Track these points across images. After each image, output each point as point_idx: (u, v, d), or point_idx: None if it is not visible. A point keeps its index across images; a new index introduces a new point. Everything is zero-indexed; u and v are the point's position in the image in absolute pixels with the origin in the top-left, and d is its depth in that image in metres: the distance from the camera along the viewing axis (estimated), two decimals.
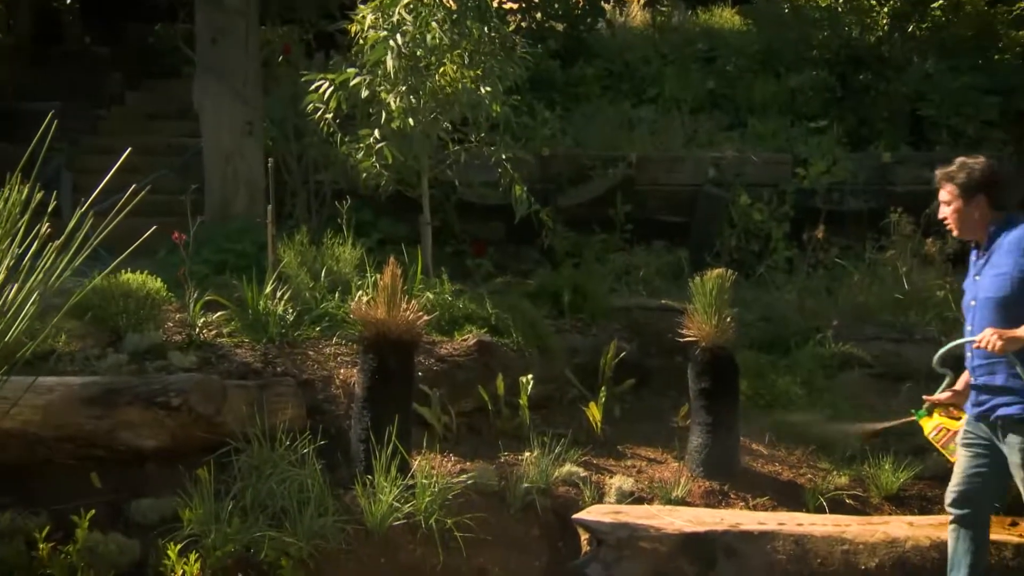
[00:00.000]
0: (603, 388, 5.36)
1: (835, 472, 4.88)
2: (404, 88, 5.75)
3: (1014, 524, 4.27)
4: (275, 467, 3.93)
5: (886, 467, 4.78)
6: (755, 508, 4.62)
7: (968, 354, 3.68)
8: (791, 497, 4.72)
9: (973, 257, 3.77)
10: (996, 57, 9.88)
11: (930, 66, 9.43)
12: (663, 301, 6.23)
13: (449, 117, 6.06)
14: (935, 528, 4.20)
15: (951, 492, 3.78)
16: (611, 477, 4.75)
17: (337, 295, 5.64)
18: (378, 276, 4.51)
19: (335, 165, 7.37)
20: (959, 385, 3.89)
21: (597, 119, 9.19)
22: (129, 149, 3.45)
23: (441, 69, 5.79)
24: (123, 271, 5.15)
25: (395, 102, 5.74)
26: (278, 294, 5.40)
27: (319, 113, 6.11)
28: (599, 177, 8.38)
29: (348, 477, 4.20)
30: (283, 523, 3.71)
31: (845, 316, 6.46)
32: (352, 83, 5.84)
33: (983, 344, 3.44)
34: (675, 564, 4.04)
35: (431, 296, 5.70)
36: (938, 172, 3.72)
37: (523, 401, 5.09)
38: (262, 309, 5.23)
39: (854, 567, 4.01)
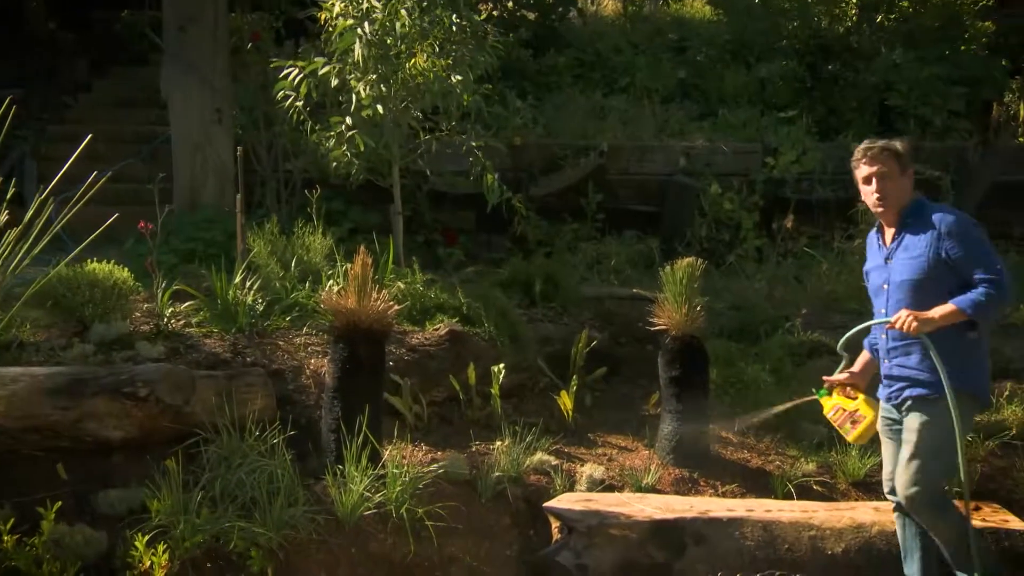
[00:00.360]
0: (574, 377, 5.38)
1: (803, 459, 4.93)
2: (374, 76, 5.72)
3: (977, 509, 4.34)
4: (244, 457, 3.91)
5: (853, 454, 4.84)
6: (724, 495, 4.66)
7: (883, 336, 3.69)
8: (760, 484, 4.76)
9: (875, 240, 3.79)
10: (963, 48, 9.99)
11: (898, 56, 9.51)
12: (634, 290, 6.25)
13: (420, 106, 6.04)
14: None
15: (886, 481, 3.83)
16: (582, 465, 4.77)
17: (308, 285, 5.62)
18: (349, 265, 4.48)
19: (305, 154, 7.33)
20: (856, 366, 3.93)
21: (569, 108, 9.19)
22: (90, 136, 3.39)
23: (412, 59, 5.77)
24: (89, 260, 5.09)
25: (365, 91, 5.71)
26: (248, 283, 5.37)
27: (289, 101, 6.07)
28: (571, 166, 8.39)
29: (318, 467, 4.19)
30: (253, 513, 3.69)
31: (814, 304, 6.52)
32: (321, 72, 5.80)
33: (898, 325, 3.46)
34: (645, 551, 4.07)
35: (402, 286, 5.69)
36: (871, 148, 3.70)
37: (495, 390, 5.10)
38: (231, 299, 5.19)
39: (821, 552, 4.06)
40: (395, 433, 4.61)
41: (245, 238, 5.80)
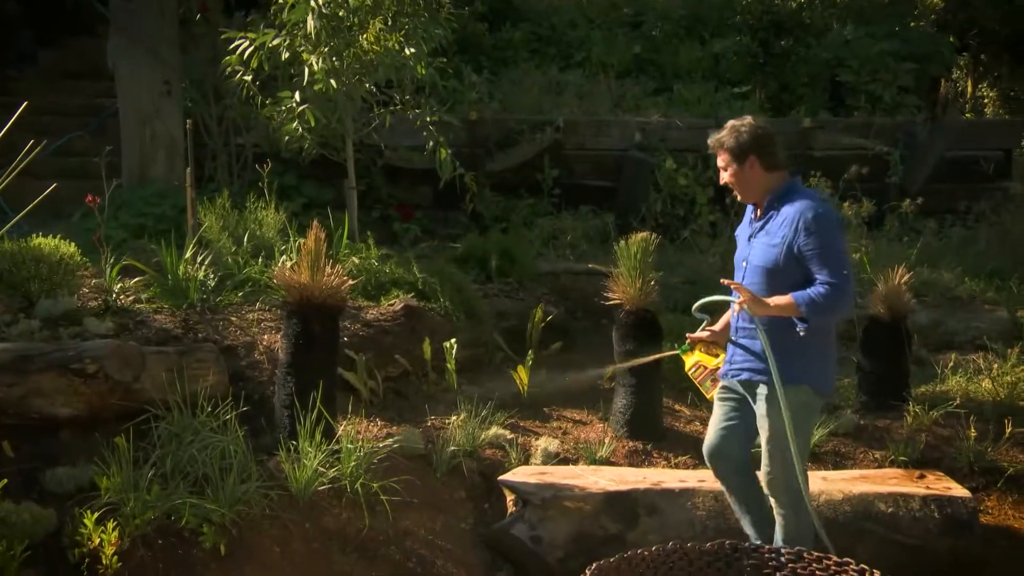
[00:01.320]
0: (530, 351, 5.40)
1: None
2: (326, 50, 5.65)
3: (921, 477, 4.45)
4: (196, 434, 3.87)
5: None
6: (677, 467, 4.72)
7: (735, 312, 3.68)
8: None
9: (750, 212, 3.75)
10: (912, 24, 10.13)
11: (849, 32, 9.62)
12: (590, 265, 6.29)
13: (373, 79, 5.98)
14: (847, 482, 4.36)
15: (706, 446, 3.85)
16: (537, 439, 4.80)
17: (260, 260, 5.56)
18: (302, 240, 4.44)
19: (257, 128, 7.23)
20: (719, 324, 3.89)
21: (525, 83, 9.17)
22: (25, 103, 3.29)
23: (365, 32, 5.70)
24: (35, 235, 4.99)
25: (317, 64, 5.63)
26: (199, 259, 5.30)
27: (239, 75, 5.97)
28: (527, 141, 8.38)
29: (272, 443, 4.17)
30: (205, 490, 3.66)
31: None
32: (272, 44, 5.71)
33: (740, 304, 3.48)
34: (599, 522, 4.11)
35: (357, 261, 5.66)
36: (711, 140, 3.69)
37: (450, 365, 5.11)
38: (182, 274, 5.12)
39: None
40: (350, 408, 4.60)
41: (196, 213, 5.72)
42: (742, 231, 3.79)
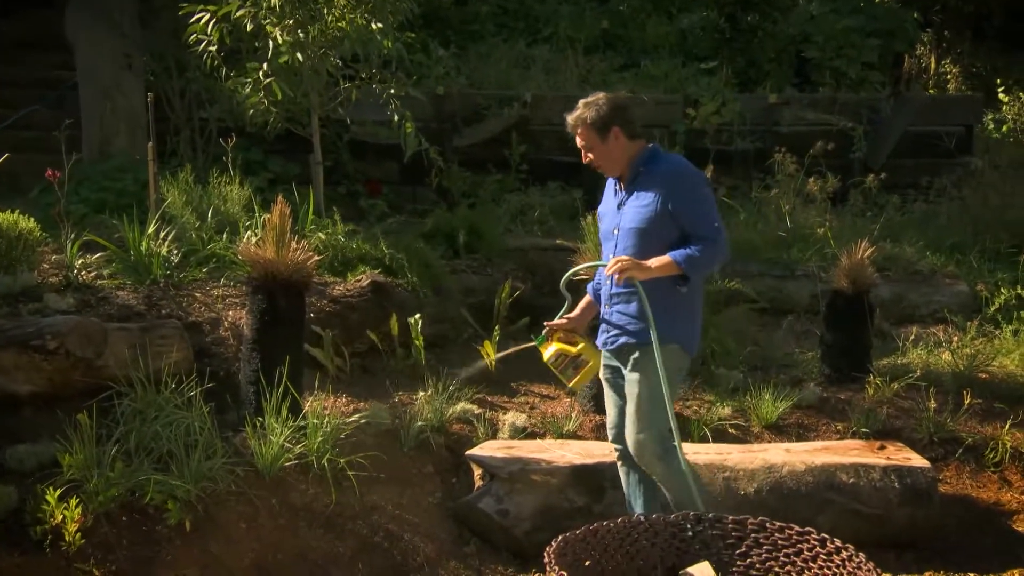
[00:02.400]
0: (497, 327, 5.41)
1: (719, 404, 5.06)
2: (291, 22, 5.58)
3: (882, 448, 4.52)
4: (160, 410, 3.83)
5: (766, 398, 4.98)
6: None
7: (606, 282, 3.65)
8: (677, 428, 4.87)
9: (612, 184, 3.75)
10: (876, 0, 10.18)
11: (814, 7, 9.66)
12: (557, 241, 6.28)
13: (339, 53, 5.91)
14: (810, 454, 4.42)
15: (610, 429, 3.85)
16: (505, 414, 4.82)
17: (225, 235, 5.50)
18: (267, 216, 4.40)
19: (221, 101, 7.13)
20: (575, 311, 3.85)
21: (492, 58, 9.13)
22: None
23: (330, 3, 5.62)
24: None
25: (282, 36, 5.56)
26: (162, 234, 5.23)
27: (202, 46, 5.87)
28: (494, 117, 8.34)
29: (238, 420, 4.15)
30: (170, 467, 3.64)
31: (732, 254, 6.62)
32: (235, 16, 5.62)
33: (610, 270, 3.47)
34: (565, 495, 4.14)
35: (323, 236, 5.62)
36: (569, 120, 3.64)
37: (417, 341, 5.10)
38: (145, 250, 5.06)
39: (734, 492, 4.19)
40: (316, 385, 4.57)
41: (158, 187, 5.64)
42: (606, 206, 3.75)
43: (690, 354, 3.69)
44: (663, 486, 3.68)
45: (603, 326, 3.71)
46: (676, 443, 3.56)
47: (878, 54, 9.30)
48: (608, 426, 3.87)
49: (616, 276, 3.47)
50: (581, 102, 3.64)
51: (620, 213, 3.64)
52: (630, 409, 3.62)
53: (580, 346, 3.75)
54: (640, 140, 3.64)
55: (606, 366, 3.77)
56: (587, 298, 3.87)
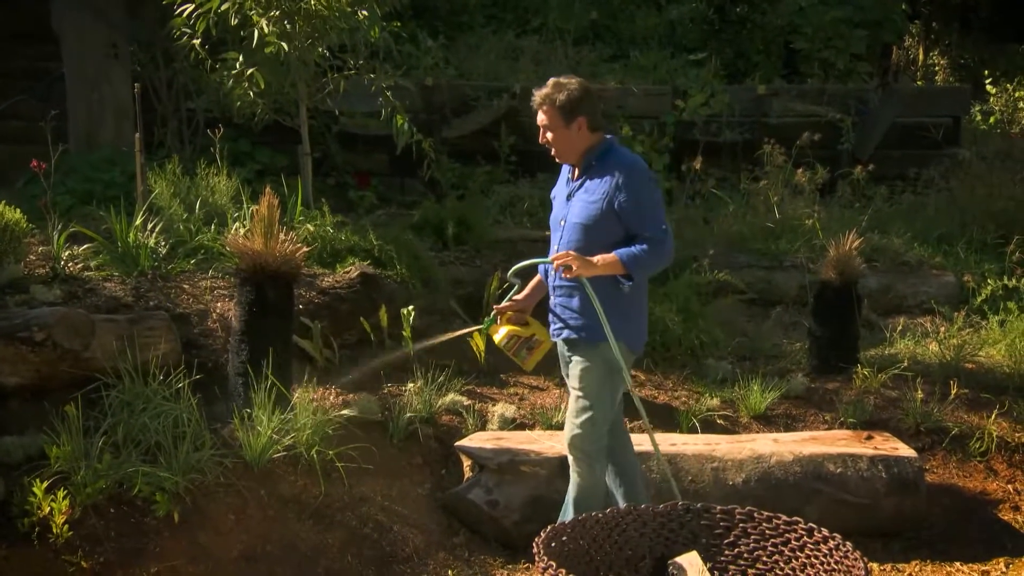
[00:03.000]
0: (486, 318, 5.39)
1: (707, 395, 5.08)
2: (277, 13, 5.54)
3: (869, 438, 4.55)
4: (148, 402, 3.83)
5: (755, 389, 5.00)
6: (632, 431, 4.76)
7: (551, 272, 3.61)
8: (666, 419, 4.89)
9: (567, 170, 3.72)
10: None
11: None
12: (547, 232, 6.27)
13: (326, 42, 5.88)
14: (798, 444, 4.44)
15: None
16: (494, 405, 4.82)
17: (213, 227, 5.48)
18: (255, 207, 4.39)
19: (208, 92, 7.09)
20: (523, 292, 3.80)
21: (481, 49, 9.10)
22: None
23: None
24: None
25: (268, 27, 5.53)
26: (149, 226, 5.21)
27: (186, 38, 5.84)
28: (483, 108, 8.32)
29: (226, 411, 4.14)
30: (158, 458, 3.63)
31: (720, 245, 6.67)
32: (222, 8, 5.59)
33: (557, 264, 3.44)
34: (554, 486, 4.15)
35: (312, 228, 5.61)
36: (536, 95, 3.57)
37: (406, 332, 5.09)
38: (132, 241, 5.04)
39: (723, 482, 4.21)
40: (305, 377, 4.57)
41: (146, 179, 5.61)
42: (559, 191, 3.74)
43: (634, 351, 3.68)
44: (575, 481, 3.65)
45: (551, 316, 3.70)
46: (648, 432, 3.60)
47: (866, 45, 9.31)
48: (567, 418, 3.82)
49: (556, 266, 3.45)
50: (552, 81, 3.58)
51: (568, 205, 3.61)
52: (571, 402, 3.62)
53: (532, 326, 3.73)
54: (599, 133, 3.61)
55: (562, 354, 3.75)
56: (537, 279, 3.81)
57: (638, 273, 3.48)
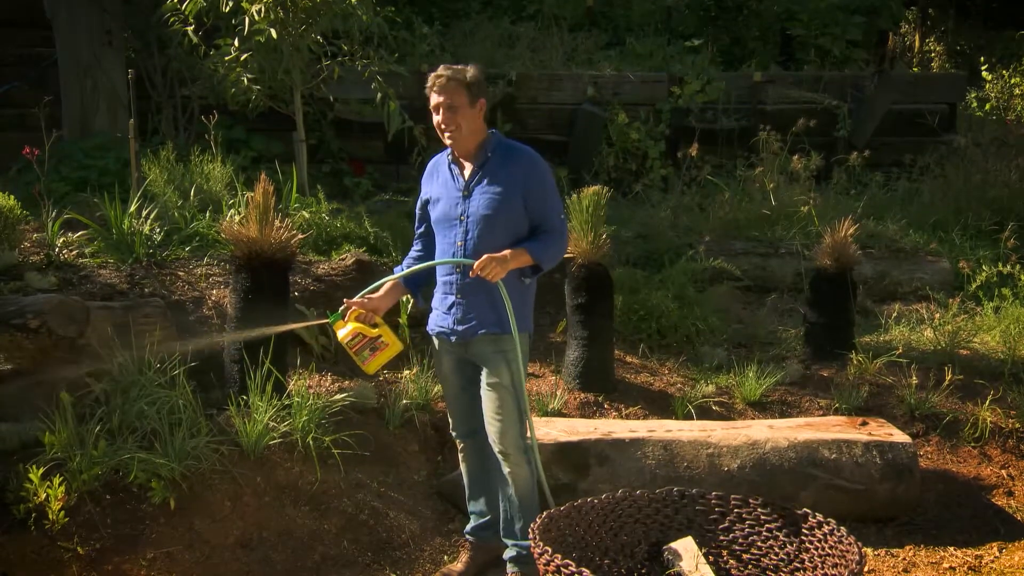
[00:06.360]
0: None
1: (703, 381, 5.09)
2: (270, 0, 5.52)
3: (864, 424, 4.56)
4: (144, 389, 3.83)
5: (750, 375, 5.01)
6: (627, 417, 4.79)
7: (457, 271, 3.52)
8: (662, 406, 4.91)
9: (448, 167, 3.56)
10: None
11: None
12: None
13: (319, 28, 5.86)
14: (793, 430, 4.45)
15: (459, 424, 3.76)
16: None
17: (208, 214, 5.47)
18: (250, 194, 4.38)
19: (203, 79, 7.06)
20: (380, 291, 3.62)
21: (477, 35, 9.06)
22: None
23: None
24: None
25: (259, 14, 5.50)
26: (144, 213, 5.20)
27: (178, 23, 5.81)
28: None
29: (222, 398, 4.14)
30: (153, 445, 3.64)
31: (716, 232, 6.68)
32: None
33: (483, 273, 3.35)
34: (550, 473, 4.15)
35: (307, 215, 5.60)
36: (440, 77, 3.41)
37: (403, 320, 5.09)
38: (127, 228, 5.03)
39: (718, 469, 4.22)
40: (301, 363, 4.57)
41: (140, 166, 5.60)
42: (444, 190, 3.55)
43: (531, 336, 3.69)
44: (513, 479, 3.56)
45: (447, 316, 3.56)
46: (531, 434, 3.57)
47: (862, 32, 9.27)
48: (456, 419, 3.75)
49: (482, 273, 3.35)
50: (446, 65, 3.47)
51: (468, 201, 3.49)
52: (493, 401, 3.50)
53: (381, 327, 3.59)
54: (485, 123, 3.54)
55: (450, 356, 3.63)
56: (392, 281, 3.64)
57: (546, 265, 3.48)
